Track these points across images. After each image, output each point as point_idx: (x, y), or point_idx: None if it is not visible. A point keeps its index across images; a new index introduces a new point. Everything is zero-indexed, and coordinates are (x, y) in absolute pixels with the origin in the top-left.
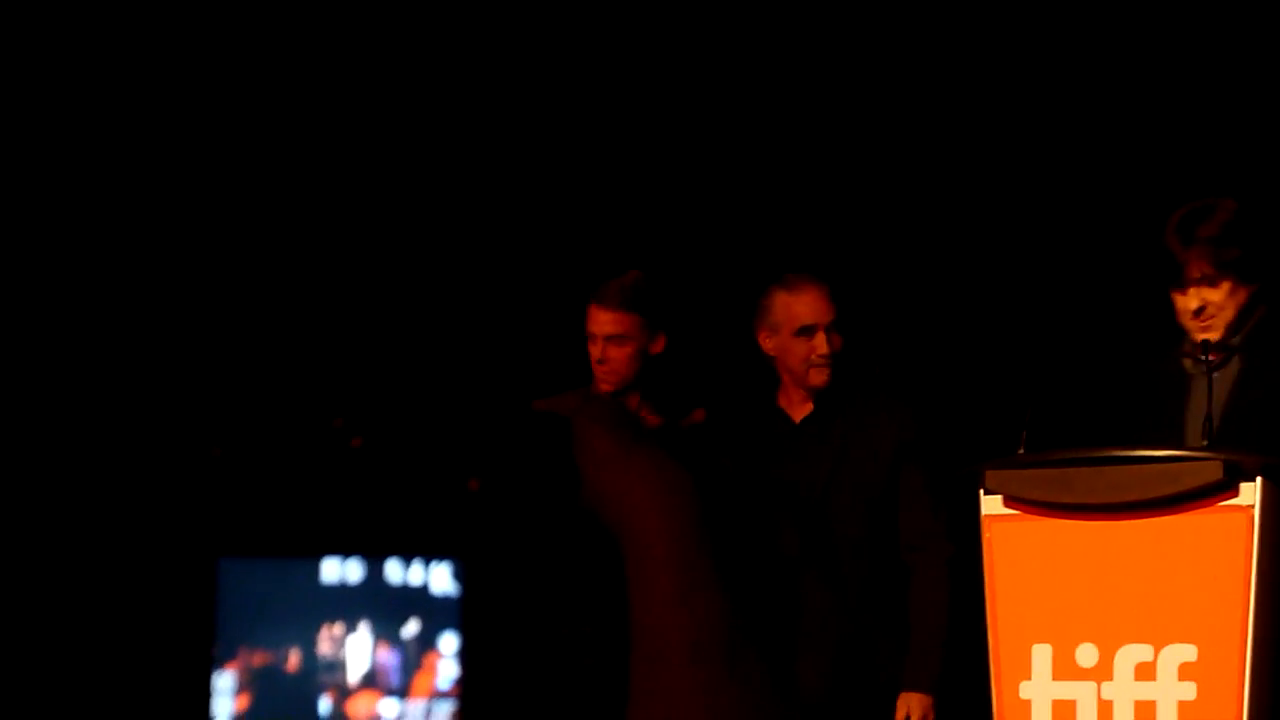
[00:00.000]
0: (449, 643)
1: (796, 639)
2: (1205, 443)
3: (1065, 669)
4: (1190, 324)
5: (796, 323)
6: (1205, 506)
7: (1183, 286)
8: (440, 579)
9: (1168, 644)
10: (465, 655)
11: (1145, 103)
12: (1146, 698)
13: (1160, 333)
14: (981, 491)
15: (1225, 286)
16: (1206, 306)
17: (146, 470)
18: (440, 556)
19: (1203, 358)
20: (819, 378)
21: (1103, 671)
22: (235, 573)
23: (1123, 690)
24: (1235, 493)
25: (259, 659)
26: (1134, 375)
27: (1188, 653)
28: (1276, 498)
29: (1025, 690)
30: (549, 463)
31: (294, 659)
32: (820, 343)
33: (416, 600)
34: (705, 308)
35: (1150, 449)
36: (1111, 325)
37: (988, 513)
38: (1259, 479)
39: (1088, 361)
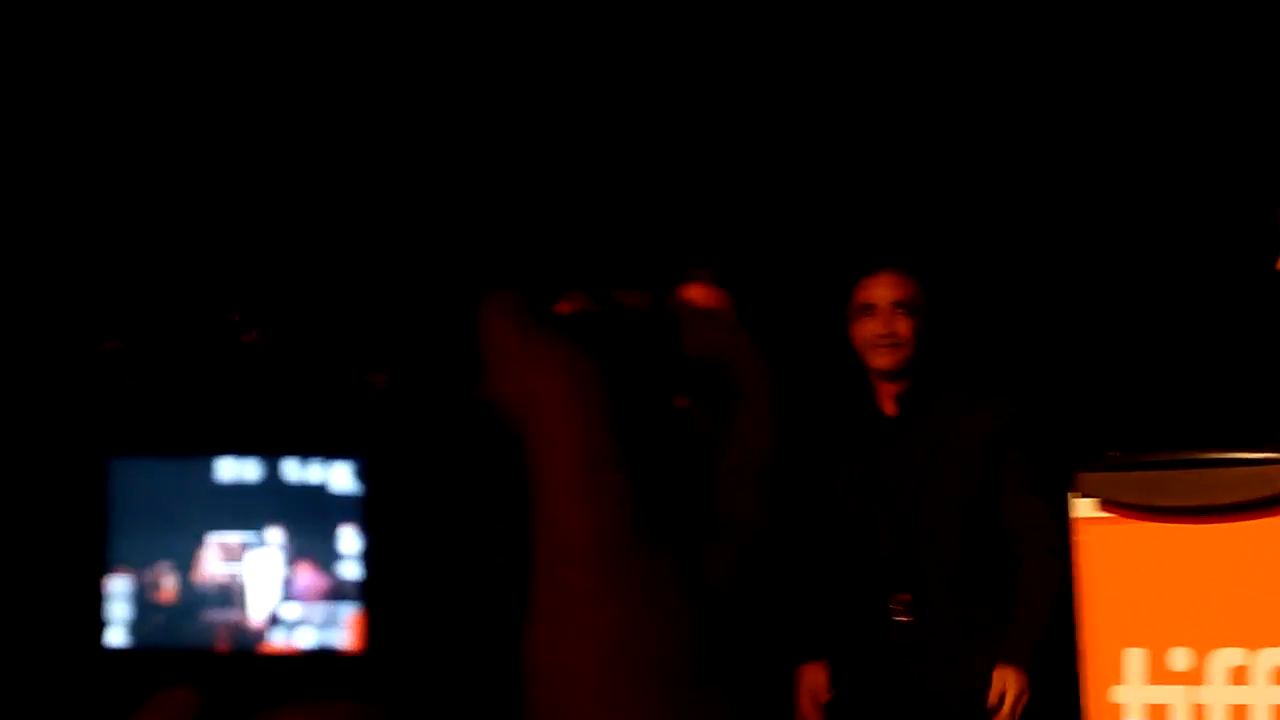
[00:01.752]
0: (351, 543)
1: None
2: None
3: (1158, 673)
4: None
5: (862, 302)
6: None
7: None
8: (341, 478)
9: (1262, 648)
10: (368, 556)
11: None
12: (1241, 702)
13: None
14: (1073, 494)
15: None
16: None
17: (33, 365)
18: (341, 455)
19: None
20: (879, 359)
21: (1196, 676)
22: (126, 472)
23: (1217, 695)
24: None
25: (151, 561)
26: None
27: None
28: None
29: (1117, 695)
30: (453, 355)
31: (188, 561)
32: (878, 322)
33: (316, 500)
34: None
35: (1243, 452)
36: (1216, 314)
37: (1080, 515)
38: None
39: (1194, 349)
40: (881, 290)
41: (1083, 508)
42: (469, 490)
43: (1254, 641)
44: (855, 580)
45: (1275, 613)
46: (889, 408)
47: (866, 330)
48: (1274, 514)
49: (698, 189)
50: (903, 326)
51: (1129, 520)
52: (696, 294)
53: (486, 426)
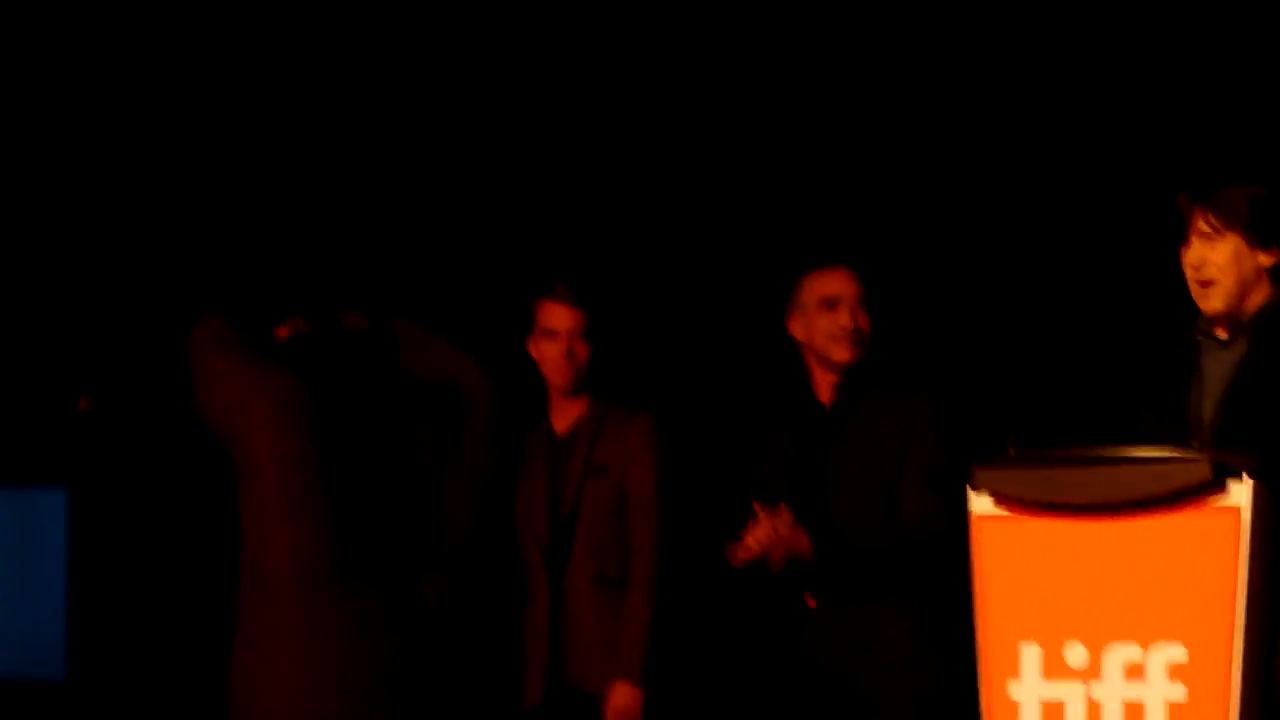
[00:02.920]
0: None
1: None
2: (1194, 442)
3: (1054, 669)
4: (1195, 292)
5: (822, 296)
6: (1194, 506)
7: (1187, 240)
8: (44, 505)
9: (1156, 643)
10: (71, 588)
11: (1146, 82)
12: (1135, 698)
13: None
14: (970, 490)
15: (1229, 247)
16: (1206, 265)
17: None
18: (45, 483)
19: (1208, 334)
20: (841, 352)
21: (1092, 671)
22: None
23: (1111, 690)
24: (1224, 492)
25: None
26: (1144, 353)
27: (1177, 653)
28: (1266, 497)
29: (1014, 690)
30: (163, 380)
31: None
32: (843, 315)
33: (18, 527)
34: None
35: (1139, 449)
36: (1118, 312)
37: (977, 512)
38: (1248, 479)
39: (1093, 346)
40: (844, 284)
41: (980, 504)
42: (177, 516)
43: (1149, 637)
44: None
45: (1170, 609)
46: (825, 398)
47: (829, 323)
48: (1169, 512)
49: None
50: (864, 321)
51: (1025, 517)
52: (555, 310)
53: (197, 450)
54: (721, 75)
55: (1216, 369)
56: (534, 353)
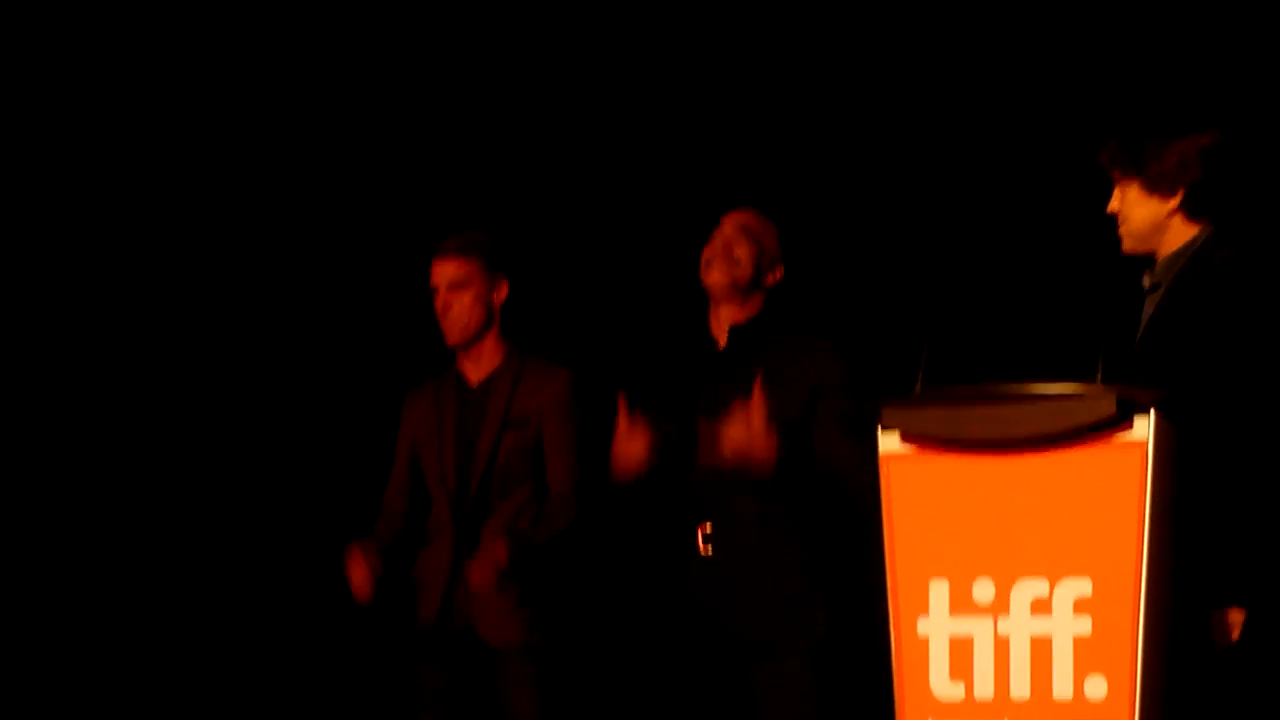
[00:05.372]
0: None
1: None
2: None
3: (962, 605)
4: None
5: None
6: (1100, 441)
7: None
8: None
9: (1063, 578)
10: None
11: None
12: (1043, 632)
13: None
14: (879, 429)
15: (1130, 193)
16: (1117, 212)
17: None
18: None
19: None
20: (710, 275)
21: (1000, 606)
22: None
23: (1019, 625)
24: (1129, 427)
25: None
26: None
27: (1083, 587)
28: (1169, 432)
29: (923, 626)
30: None
31: None
32: (717, 241)
33: None
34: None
35: (1044, 386)
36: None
37: (885, 450)
38: (1152, 413)
39: (1001, 283)
40: (728, 219)
41: (887, 442)
42: None
43: (1055, 572)
44: (667, 505)
45: (1076, 543)
46: (721, 339)
47: (706, 249)
48: (1073, 447)
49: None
50: (743, 251)
51: (933, 454)
52: (434, 267)
53: None
54: (630, 17)
55: (1146, 313)
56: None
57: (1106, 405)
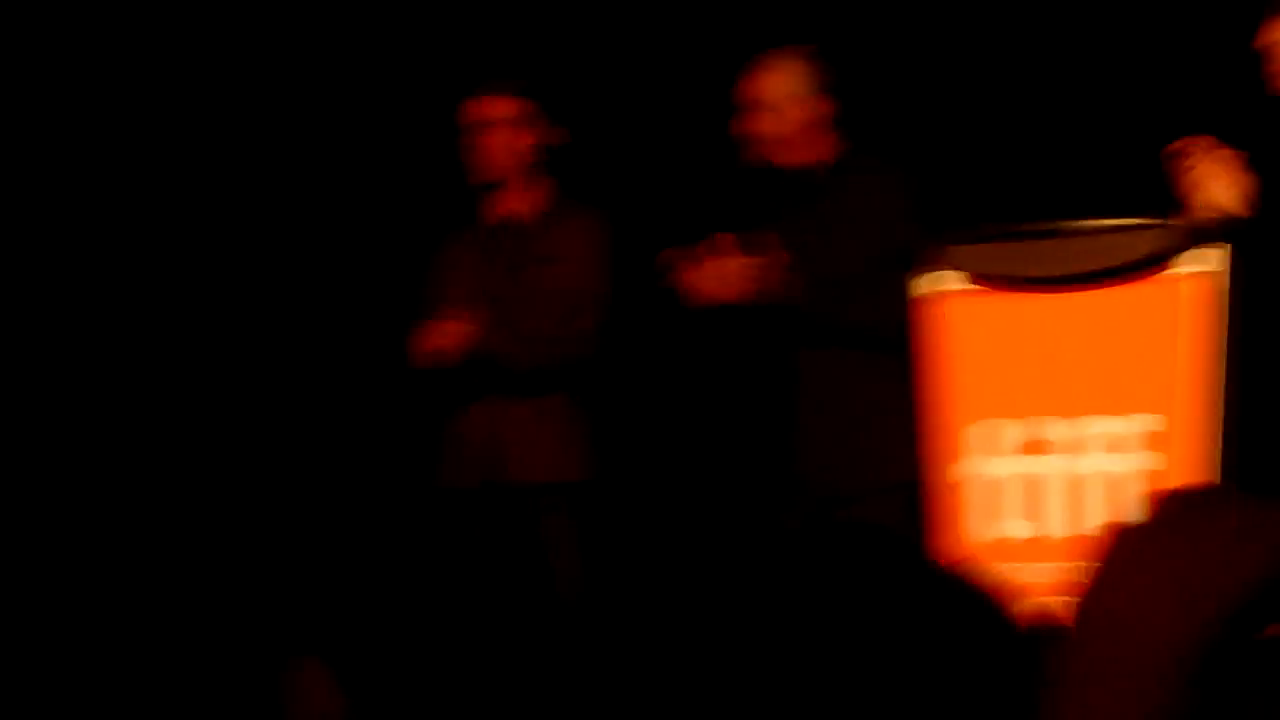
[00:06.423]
0: None
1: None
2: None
3: (1031, 444)
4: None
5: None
6: (1162, 273)
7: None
8: None
9: (1133, 414)
10: None
11: None
12: (1115, 469)
13: None
14: (943, 268)
15: None
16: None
17: None
18: None
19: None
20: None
21: (1073, 445)
22: None
23: (1091, 463)
24: (1194, 259)
25: None
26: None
27: (1154, 423)
28: (1236, 263)
29: (987, 466)
30: None
31: None
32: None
33: None
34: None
35: (1110, 220)
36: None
37: (946, 289)
38: (1224, 243)
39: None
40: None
41: (950, 280)
42: None
43: (1128, 409)
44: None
45: (1148, 379)
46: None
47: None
48: (1142, 279)
49: None
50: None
51: (997, 292)
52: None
53: None
54: None
55: None
56: None
57: (1176, 235)
